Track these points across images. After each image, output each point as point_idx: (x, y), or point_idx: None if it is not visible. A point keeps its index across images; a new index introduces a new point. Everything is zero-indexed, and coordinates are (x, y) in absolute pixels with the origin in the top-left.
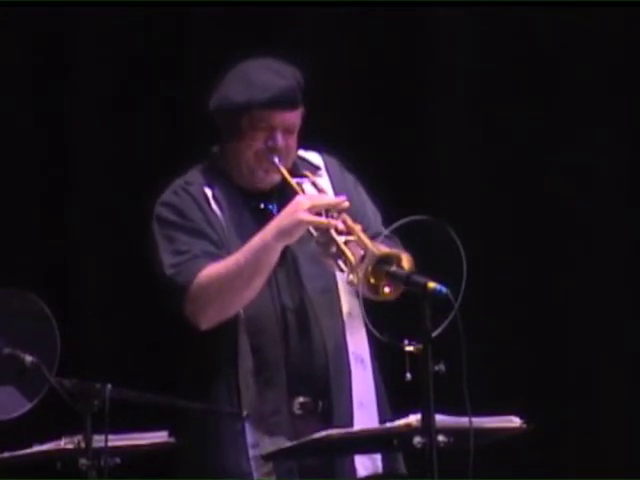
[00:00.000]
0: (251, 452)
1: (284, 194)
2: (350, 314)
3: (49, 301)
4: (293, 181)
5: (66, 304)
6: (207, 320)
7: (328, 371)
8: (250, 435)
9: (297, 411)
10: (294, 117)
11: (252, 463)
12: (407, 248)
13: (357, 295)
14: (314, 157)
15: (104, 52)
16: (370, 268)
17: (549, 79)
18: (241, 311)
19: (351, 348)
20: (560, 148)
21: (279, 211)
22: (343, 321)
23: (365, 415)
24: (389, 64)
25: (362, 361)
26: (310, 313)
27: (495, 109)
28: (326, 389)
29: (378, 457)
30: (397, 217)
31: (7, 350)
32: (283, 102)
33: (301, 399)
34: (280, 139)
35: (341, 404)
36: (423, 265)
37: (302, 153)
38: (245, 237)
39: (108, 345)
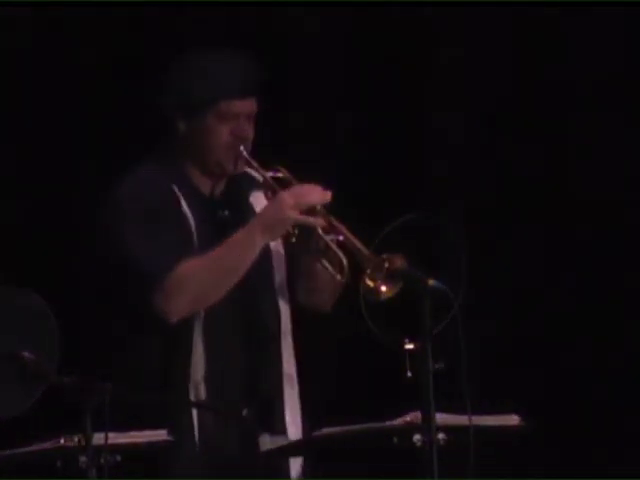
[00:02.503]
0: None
1: (234, 199)
2: (285, 331)
3: (49, 298)
4: (261, 171)
5: (67, 301)
6: (178, 311)
7: (267, 390)
8: (199, 431)
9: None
10: (254, 105)
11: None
12: (406, 247)
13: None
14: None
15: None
16: (370, 269)
17: (553, 78)
18: (201, 312)
19: (284, 367)
20: (562, 147)
21: (233, 217)
22: (280, 340)
23: (295, 433)
24: (389, 63)
25: (292, 381)
26: (260, 326)
27: (495, 108)
28: (266, 407)
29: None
30: (395, 216)
31: (7, 347)
32: (246, 90)
33: (245, 410)
34: (244, 127)
35: (277, 423)
36: (422, 263)
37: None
38: (206, 238)
39: (109, 342)
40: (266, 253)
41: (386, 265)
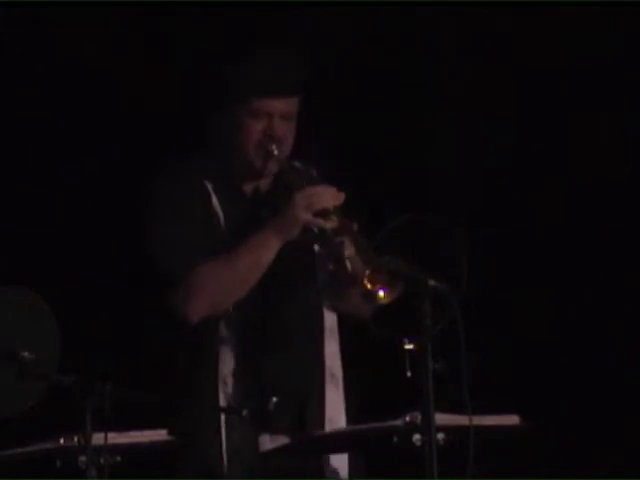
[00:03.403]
0: (226, 451)
1: (278, 197)
2: (331, 330)
3: (50, 298)
4: (292, 174)
5: (67, 301)
6: (196, 313)
7: (303, 387)
8: (227, 434)
9: (271, 410)
10: (291, 104)
11: (225, 461)
12: (408, 247)
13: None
14: (310, 170)
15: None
16: (369, 272)
17: (550, 78)
18: (230, 309)
19: (327, 365)
20: (561, 144)
21: (273, 216)
22: (324, 336)
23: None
24: (388, 64)
25: (336, 379)
26: (295, 323)
27: (495, 108)
28: (301, 404)
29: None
30: (396, 216)
31: (7, 347)
32: (280, 88)
33: (274, 399)
34: (278, 127)
35: (314, 421)
36: (423, 263)
37: (297, 164)
38: (239, 236)
39: (109, 342)
40: (310, 252)
41: (393, 266)
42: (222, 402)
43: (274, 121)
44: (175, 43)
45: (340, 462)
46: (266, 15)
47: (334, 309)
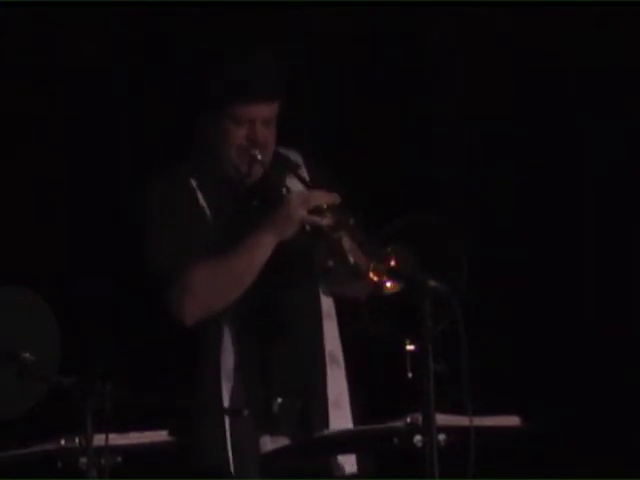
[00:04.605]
0: (231, 450)
1: (268, 189)
2: (328, 313)
3: (49, 298)
4: (277, 178)
5: (67, 301)
6: (192, 316)
7: (307, 371)
8: (231, 433)
9: (276, 411)
10: (272, 109)
11: (231, 461)
12: (408, 247)
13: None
14: (293, 155)
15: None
16: (372, 266)
17: (549, 81)
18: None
19: (327, 348)
20: (561, 147)
21: (264, 206)
22: (322, 320)
23: (340, 415)
24: (389, 64)
25: (336, 361)
26: (292, 312)
27: (493, 112)
28: (304, 390)
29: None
30: (394, 217)
31: (8, 348)
32: (262, 94)
33: (279, 400)
34: (260, 132)
35: (317, 405)
36: (424, 263)
37: (282, 150)
38: (230, 231)
39: (109, 343)
40: (307, 238)
41: (392, 261)
42: (226, 400)
43: (256, 126)
44: (175, 43)
45: (346, 457)
46: (266, 15)
47: (330, 293)
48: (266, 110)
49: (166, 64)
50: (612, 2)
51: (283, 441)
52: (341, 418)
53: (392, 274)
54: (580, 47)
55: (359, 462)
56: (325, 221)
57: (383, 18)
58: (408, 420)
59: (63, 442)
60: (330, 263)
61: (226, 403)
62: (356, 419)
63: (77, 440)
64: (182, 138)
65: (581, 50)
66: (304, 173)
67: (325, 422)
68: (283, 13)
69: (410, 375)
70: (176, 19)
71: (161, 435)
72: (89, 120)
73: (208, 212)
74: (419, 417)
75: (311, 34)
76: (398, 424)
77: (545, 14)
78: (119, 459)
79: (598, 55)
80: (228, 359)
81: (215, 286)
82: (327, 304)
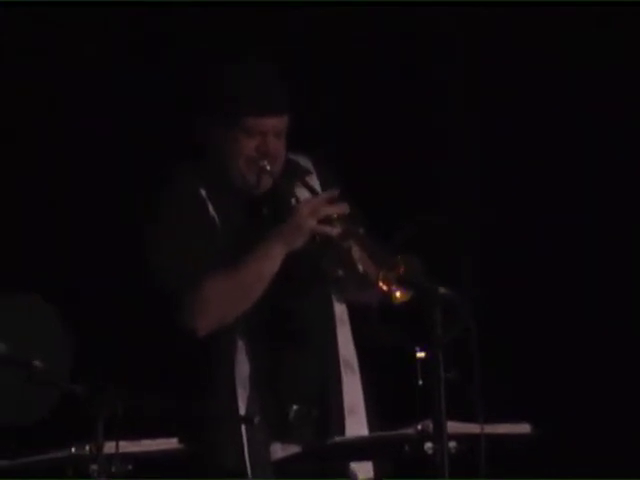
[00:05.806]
0: (248, 458)
1: (277, 198)
2: (341, 319)
3: (61, 306)
4: (285, 185)
5: (78, 309)
6: (204, 327)
7: (322, 378)
8: (248, 440)
9: (292, 419)
10: (283, 122)
11: (249, 468)
12: (416, 253)
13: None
14: (303, 160)
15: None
16: (382, 274)
17: (549, 81)
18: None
19: (341, 354)
20: (562, 147)
21: (273, 215)
22: (335, 326)
23: (356, 422)
24: (390, 65)
25: (351, 367)
26: (305, 319)
27: (496, 114)
28: (320, 397)
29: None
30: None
31: (20, 356)
32: (273, 108)
33: (295, 407)
34: (271, 144)
35: (333, 412)
36: (433, 270)
37: (292, 156)
38: (240, 242)
39: (121, 350)
40: (317, 247)
41: (402, 269)
42: (241, 408)
43: (268, 138)
44: (175, 43)
45: (362, 464)
46: (266, 15)
47: (343, 299)
48: (278, 122)
49: (166, 64)
50: (612, 2)
51: (293, 449)
52: (357, 424)
53: (402, 282)
54: (580, 47)
55: (375, 468)
56: (335, 231)
57: (383, 18)
58: (419, 427)
59: (74, 449)
60: (340, 272)
61: (242, 411)
62: (371, 425)
63: (88, 447)
64: (182, 138)
65: (581, 50)
66: (315, 179)
67: (341, 429)
68: (283, 13)
69: (421, 383)
70: (176, 19)
71: (172, 443)
72: (89, 120)
73: (218, 222)
74: (430, 424)
75: (311, 34)
76: (409, 431)
77: (545, 14)
78: (130, 467)
79: (598, 55)
80: (243, 367)
81: (226, 297)
82: (340, 310)
